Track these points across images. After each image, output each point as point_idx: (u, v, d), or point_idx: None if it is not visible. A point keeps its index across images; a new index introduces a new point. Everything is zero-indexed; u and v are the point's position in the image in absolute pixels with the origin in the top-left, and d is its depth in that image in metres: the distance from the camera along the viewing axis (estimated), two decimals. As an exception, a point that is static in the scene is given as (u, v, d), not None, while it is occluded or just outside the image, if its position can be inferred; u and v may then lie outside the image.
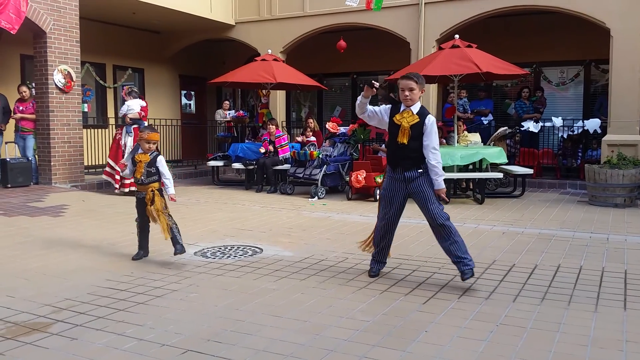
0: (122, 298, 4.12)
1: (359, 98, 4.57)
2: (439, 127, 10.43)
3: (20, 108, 10.57)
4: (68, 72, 10.56)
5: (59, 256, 5.41)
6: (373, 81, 4.51)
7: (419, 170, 4.44)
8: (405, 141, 4.40)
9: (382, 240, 4.67)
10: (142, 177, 5.13)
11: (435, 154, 4.40)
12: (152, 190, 5.12)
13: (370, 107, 4.64)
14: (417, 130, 4.40)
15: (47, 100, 10.33)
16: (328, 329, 3.48)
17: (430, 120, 4.43)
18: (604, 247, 5.84)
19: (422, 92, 4.52)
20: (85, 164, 11.59)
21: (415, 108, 4.46)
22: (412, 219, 7.45)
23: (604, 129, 11.06)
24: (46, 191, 9.77)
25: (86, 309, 3.88)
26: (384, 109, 4.62)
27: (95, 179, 11.22)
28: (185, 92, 16.97)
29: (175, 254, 5.07)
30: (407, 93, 4.43)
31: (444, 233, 4.41)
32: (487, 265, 5.05)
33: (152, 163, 5.14)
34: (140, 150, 5.23)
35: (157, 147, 5.37)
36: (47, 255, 5.46)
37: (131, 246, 5.78)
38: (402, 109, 4.50)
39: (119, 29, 14.37)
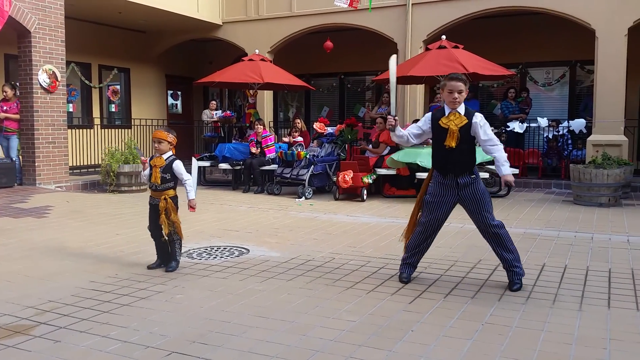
0: (106, 300, 4.08)
1: (393, 135, 4.47)
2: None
3: (4, 108, 10.45)
4: (53, 71, 10.46)
5: (43, 258, 5.36)
6: (388, 116, 4.43)
7: (472, 176, 4.31)
8: (453, 144, 4.23)
9: (419, 245, 4.53)
10: (157, 183, 4.85)
11: (497, 146, 4.34)
12: (165, 199, 4.86)
13: (408, 133, 4.47)
14: (466, 132, 4.27)
15: (32, 100, 10.22)
16: (314, 330, 3.47)
17: (479, 118, 4.31)
18: (588, 246, 5.88)
19: (467, 93, 4.33)
20: (70, 164, 11.50)
21: (461, 109, 4.30)
22: (399, 218, 7.47)
23: (589, 129, 11.17)
24: (30, 192, 9.67)
25: (70, 310, 3.84)
26: (424, 121, 4.45)
27: (80, 179, 11.14)
28: (171, 92, 16.89)
29: (167, 270, 4.86)
30: (456, 95, 4.23)
31: (498, 241, 4.33)
32: (473, 265, 5.07)
33: (168, 168, 4.85)
34: (157, 154, 4.91)
35: (174, 150, 4.97)
36: (31, 256, 5.40)
37: (115, 247, 5.74)
38: (447, 111, 4.31)
39: (105, 29, 14.27)
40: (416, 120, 11.22)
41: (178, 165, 4.90)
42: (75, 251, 5.62)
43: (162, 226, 4.84)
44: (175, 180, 4.95)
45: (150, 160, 4.93)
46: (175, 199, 4.95)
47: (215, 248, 5.79)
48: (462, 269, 4.94)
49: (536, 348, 3.18)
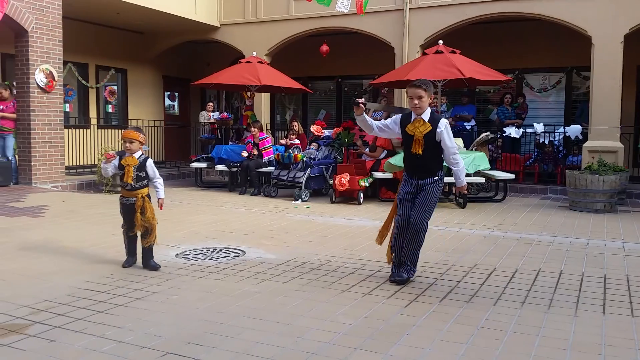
0: (101, 300, 4.07)
1: (358, 119, 4.58)
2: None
3: (1, 107, 10.43)
4: (50, 71, 10.44)
5: (38, 257, 5.34)
6: (357, 99, 4.49)
7: (435, 178, 4.48)
8: (420, 151, 4.40)
9: (397, 241, 4.64)
10: (132, 182, 4.87)
11: (456, 157, 4.48)
12: (142, 197, 4.89)
13: (377, 123, 4.66)
14: (431, 139, 4.38)
15: (29, 100, 10.20)
16: (310, 332, 3.47)
17: (443, 126, 4.39)
18: (584, 252, 5.90)
19: (431, 99, 4.46)
20: (66, 164, 11.45)
21: (426, 115, 4.41)
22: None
23: (585, 135, 11.21)
24: (26, 191, 9.64)
25: (65, 310, 3.83)
26: (394, 120, 4.61)
27: (76, 179, 11.12)
28: (168, 93, 16.88)
29: (156, 268, 4.94)
30: (416, 102, 4.38)
31: (415, 239, 4.51)
32: (469, 269, 5.07)
33: (142, 167, 4.90)
34: (127, 154, 4.95)
35: (143, 149, 5.15)
36: (26, 256, 5.38)
37: (111, 247, 5.72)
38: (413, 117, 4.46)
39: (103, 29, 14.25)
40: None
41: (151, 164, 5.00)
42: (71, 251, 5.61)
43: (136, 224, 4.90)
44: (148, 179, 5.00)
45: (121, 160, 4.93)
46: (149, 197, 5.01)
47: (211, 249, 5.78)
48: (457, 273, 4.95)
49: (531, 353, 3.19)
